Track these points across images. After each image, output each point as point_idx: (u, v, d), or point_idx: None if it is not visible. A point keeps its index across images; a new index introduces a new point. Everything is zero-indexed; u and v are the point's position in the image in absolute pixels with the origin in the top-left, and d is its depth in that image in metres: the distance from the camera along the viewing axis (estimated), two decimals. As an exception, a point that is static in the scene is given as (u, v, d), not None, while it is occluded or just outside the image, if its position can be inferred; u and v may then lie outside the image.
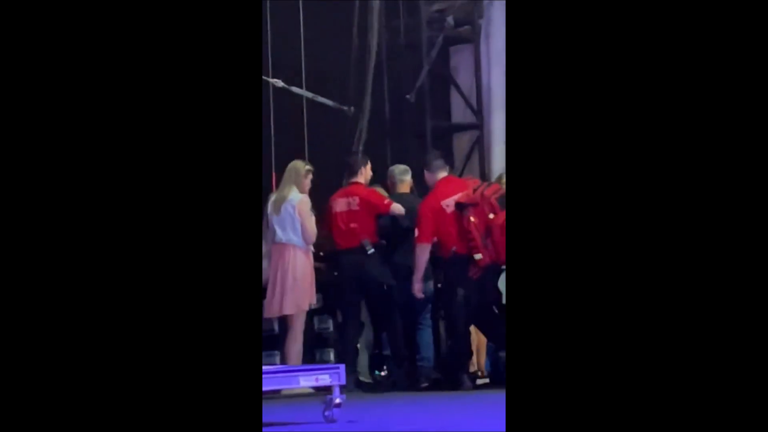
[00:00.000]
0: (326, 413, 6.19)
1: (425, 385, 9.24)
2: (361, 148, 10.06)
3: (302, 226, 8.91)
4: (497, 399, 7.65)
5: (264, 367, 8.12)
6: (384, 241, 9.33)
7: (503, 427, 3.25)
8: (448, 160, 9.98)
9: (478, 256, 8.86)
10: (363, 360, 9.62)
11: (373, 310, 9.56)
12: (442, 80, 11.29)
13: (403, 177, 9.64)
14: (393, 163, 10.26)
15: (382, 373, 9.70)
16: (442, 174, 9.29)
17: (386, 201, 9.23)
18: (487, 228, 8.86)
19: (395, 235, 9.36)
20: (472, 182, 9.26)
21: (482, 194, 8.90)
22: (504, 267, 8.70)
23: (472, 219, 8.88)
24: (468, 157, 10.92)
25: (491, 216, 8.81)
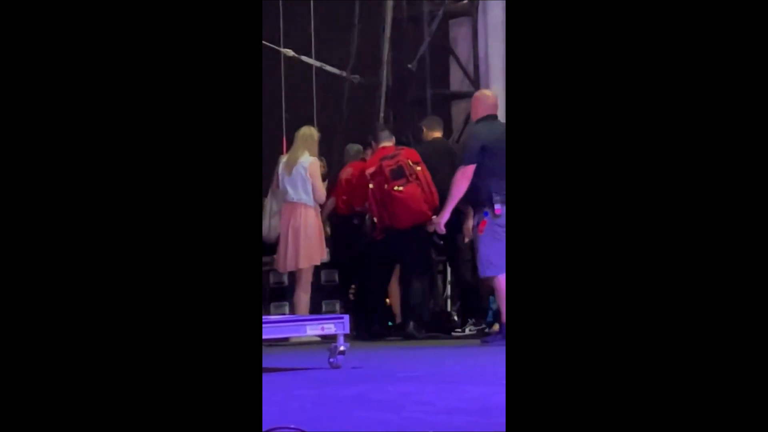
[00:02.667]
0: (331, 360, 6.35)
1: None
2: (382, 114, 10.45)
3: (313, 186, 9.24)
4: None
5: (274, 317, 8.48)
6: None
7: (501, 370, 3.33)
8: (447, 126, 10.33)
9: (374, 219, 9.42)
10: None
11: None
12: (442, 51, 11.53)
13: (357, 156, 10.14)
14: (396, 128, 10.83)
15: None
16: (386, 144, 9.62)
17: None
18: (383, 196, 9.31)
19: None
20: (399, 152, 9.51)
21: (381, 165, 9.30)
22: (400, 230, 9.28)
23: (370, 186, 9.35)
24: (465, 123, 11.06)
25: (386, 186, 9.24)
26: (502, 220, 7.80)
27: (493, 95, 8.33)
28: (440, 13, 11.05)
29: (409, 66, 10.89)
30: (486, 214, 7.90)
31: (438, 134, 9.88)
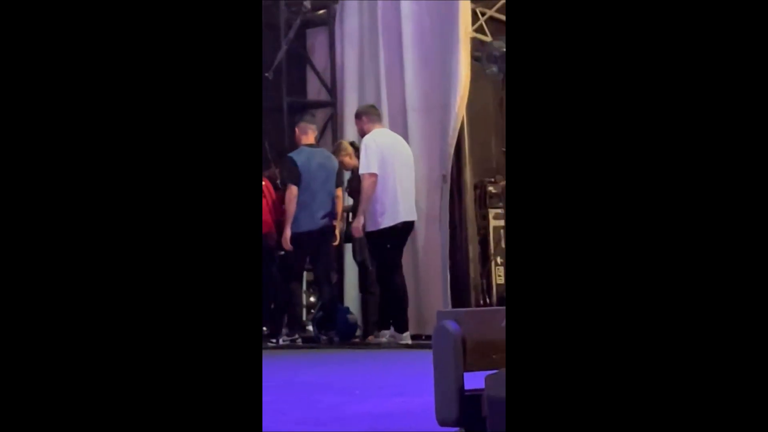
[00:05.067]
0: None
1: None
2: None
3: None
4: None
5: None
6: None
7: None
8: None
9: None
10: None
11: None
12: (299, 59, 11.51)
13: None
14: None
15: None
16: None
17: None
18: None
19: None
20: None
21: None
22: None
23: None
24: (322, 133, 11.19)
25: None
26: None
27: None
28: (298, 21, 11.03)
29: (266, 74, 10.80)
30: None
31: None
